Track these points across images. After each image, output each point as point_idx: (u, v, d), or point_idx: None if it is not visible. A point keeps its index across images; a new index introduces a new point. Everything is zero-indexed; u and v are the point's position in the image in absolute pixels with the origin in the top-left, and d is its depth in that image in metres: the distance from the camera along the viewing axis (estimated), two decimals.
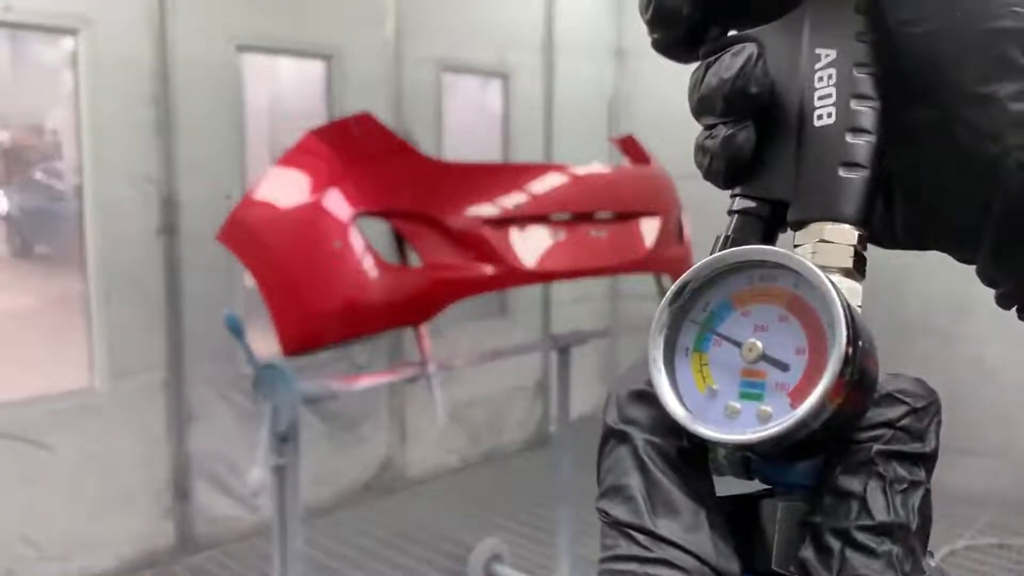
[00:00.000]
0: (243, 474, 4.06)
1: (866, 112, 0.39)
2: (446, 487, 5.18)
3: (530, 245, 3.26)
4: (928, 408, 0.38)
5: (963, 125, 0.38)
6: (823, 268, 0.36)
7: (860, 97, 0.39)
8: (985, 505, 4.59)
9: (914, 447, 0.37)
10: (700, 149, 0.42)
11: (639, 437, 0.38)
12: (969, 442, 4.60)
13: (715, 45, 0.42)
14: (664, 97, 5.92)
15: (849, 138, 0.39)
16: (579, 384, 5.91)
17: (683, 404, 0.37)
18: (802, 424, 0.34)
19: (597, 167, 3.96)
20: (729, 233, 0.41)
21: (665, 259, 3.68)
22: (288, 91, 5.11)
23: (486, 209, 3.18)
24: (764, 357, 0.36)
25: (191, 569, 4.08)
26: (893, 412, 0.36)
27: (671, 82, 6.12)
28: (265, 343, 3.18)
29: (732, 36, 0.42)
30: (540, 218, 3.34)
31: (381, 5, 4.74)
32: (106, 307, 3.85)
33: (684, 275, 0.38)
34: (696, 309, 0.39)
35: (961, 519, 4.50)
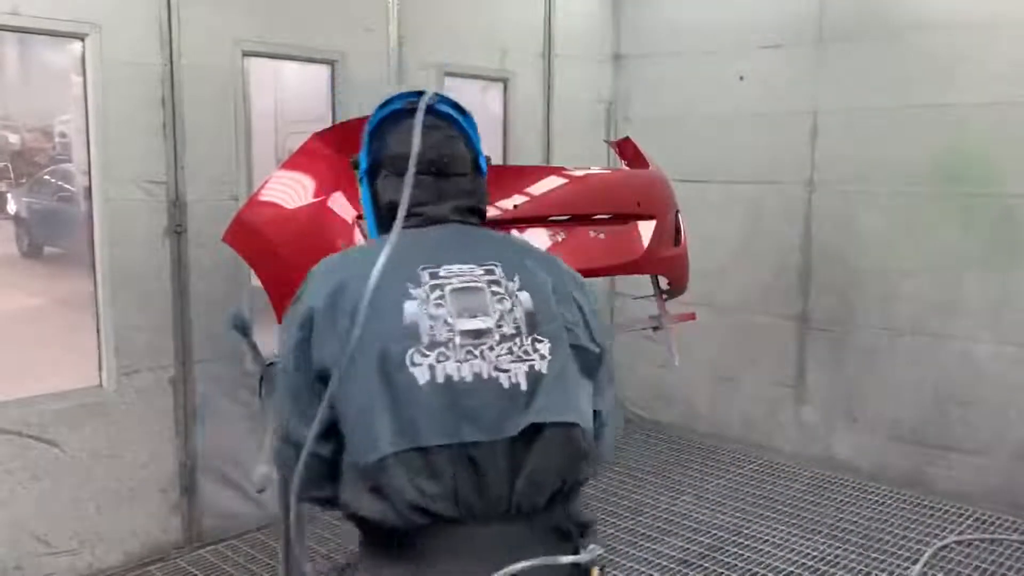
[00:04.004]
0: (249, 470, 4.09)
1: None
2: None
3: None
4: None
5: None
6: None
7: None
8: (975, 501, 4.60)
9: None
10: None
11: None
12: (959, 439, 4.63)
13: None
14: (661, 101, 5.96)
15: None
16: None
17: None
18: None
19: (596, 169, 3.96)
20: None
21: (662, 260, 3.70)
22: (293, 95, 5.12)
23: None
24: None
25: (197, 563, 4.10)
26: None
27: (668, 86, 6.15)
28: (271, 342, 3.20)
29: None
30: (540, 219, 3.35)
31: (384, 12, 4.76)
32: (114, 306, 3.85)
33: None
34: None
35: (951, 515, 4.52)
